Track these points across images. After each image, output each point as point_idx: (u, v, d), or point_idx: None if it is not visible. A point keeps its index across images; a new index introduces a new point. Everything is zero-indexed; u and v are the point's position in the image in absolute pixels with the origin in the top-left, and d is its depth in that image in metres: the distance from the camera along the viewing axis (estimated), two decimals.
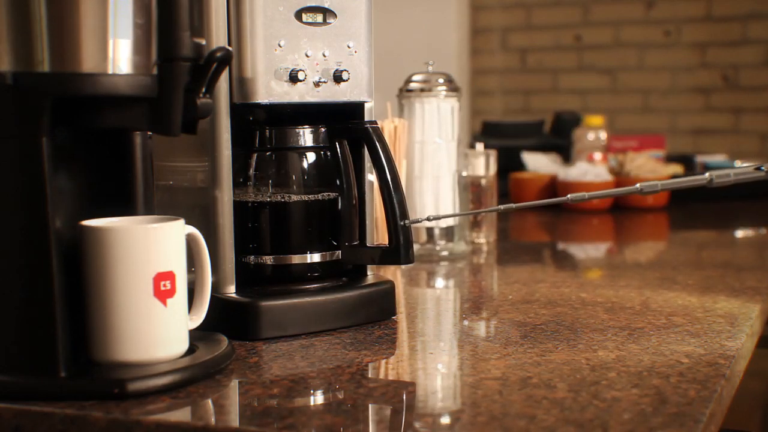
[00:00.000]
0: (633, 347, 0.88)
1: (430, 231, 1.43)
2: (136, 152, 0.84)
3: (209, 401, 0.74)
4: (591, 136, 2.35)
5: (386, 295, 1.01)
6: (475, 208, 1.56)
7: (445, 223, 1.43)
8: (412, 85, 1.43)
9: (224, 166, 0.92)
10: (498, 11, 3.64)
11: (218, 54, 0.74)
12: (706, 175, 0.85)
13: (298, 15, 0.94)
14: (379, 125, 0.99)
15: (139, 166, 0.84)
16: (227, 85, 0.92)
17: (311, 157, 0.98)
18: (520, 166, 2.35)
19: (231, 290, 0.94)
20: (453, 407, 0.74)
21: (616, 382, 0.77)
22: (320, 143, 0.98)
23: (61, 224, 0.75)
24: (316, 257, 0.98)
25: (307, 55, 0.94)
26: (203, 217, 0.93)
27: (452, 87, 1.43)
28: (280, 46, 0.93)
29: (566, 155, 2.50)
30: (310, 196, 0.97)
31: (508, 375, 0.80)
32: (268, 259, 0.97)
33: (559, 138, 2.66)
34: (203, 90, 0.75)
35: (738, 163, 2.44)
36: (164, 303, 0.77)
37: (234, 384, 0.79)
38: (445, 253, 1.43)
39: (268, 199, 0.97)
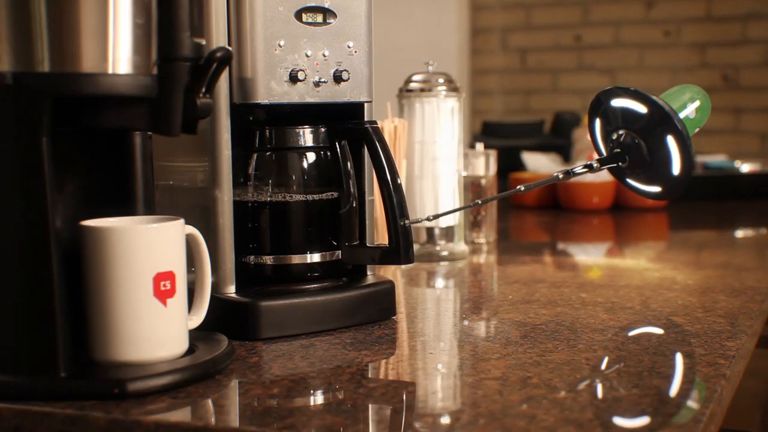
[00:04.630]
0: (633, 347, 0.88)
1: (430, 231, 1.43)
2: (136, 152, 0.84)
3: (209, 401, 0.74)
4: None
5: (386, 295, 1.01)
6: (475, 209, 1.56)
7: (445, 223, 1.43)
8: (412, 85, 1.43)
9: (224, 166, 0.92)
10: (498, 11, 3.64)
11: (218, 54, 0.74)
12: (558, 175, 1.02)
13: (298, 15, 0.94)
14: (379, 125, 0.99)
15: (139, 166, 0.84)
16: (227, 85, 0.92)
17: (311, 157, 0.98)
18: (520, 166, 2.35)
19: (231, 290, 0.94)
20: (453, 407, 0.75)
21: (616, 382, 0.77)
22: (320, 143, 0.98)
23: (61, 224, 0.75)
24: (316, 257, 0.98)
25: (307, 55, 0.94)
26: (203, 217, 0.93)
27: (452, 87, 1.43)
28: (280, 46, 0.93)
29: (566, 155, 2.51)
30: (310, 196, 0.97)
31: (508, 375, 0.80)
32: (268, 259, 0.97)
33: (559, 138, 2.66)
34: (203, 90, 0.75)
35: (738, 163, 2.44)
36: (164, 303, 0.77)
37: (234, 384, 0.79)
38: (445, 253, 1.43)
39: (268, 199, 0.97)
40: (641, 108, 0.99)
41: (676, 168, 0.98)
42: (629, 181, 1.04)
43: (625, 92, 1.01)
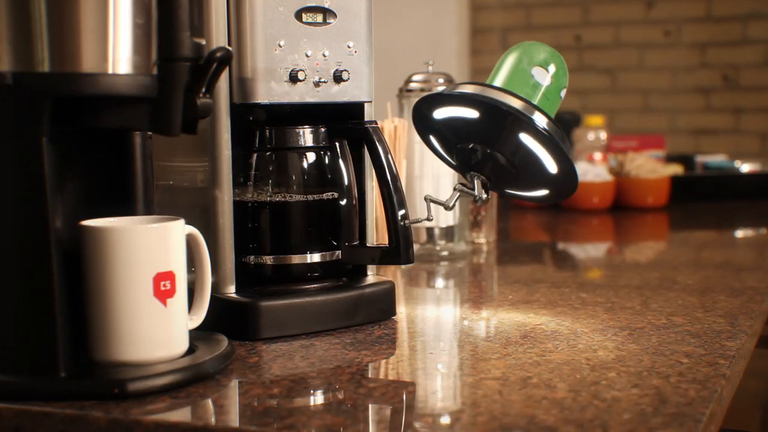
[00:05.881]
0: (633, 347, 0.88)
1: (430, 231, 1.43)
2: (136, 152, 0.84)
3: (209, 401, 0.74)
4: (591, 136, 2.35)
5: (386, 295, 1.01)
6: (475, 209, 1.56)
7: (444, 222, 1.43)
8: (412, 85, 1.43)
9: (224, 166, 0.92)
10: (498, 11, 3.64)
11: (218, 54, 0.74)
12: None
13: (298, 15, 0.94)
14: (379, 125, 0.99)
15: (139, 166, 0.84)
16: (227, 85, 0.92)
17: (311, 157, 0.98)
18: None
19: (231, 290, 0.94)
20: (453, 407, 0.74)
21: (616, 382, 0.77)
22: (320, 143, 0.98)
23: (61, 224, 0.75)
24: (316, 257, 0.98)
25: (307, 55, 0.94)
26: (203, 217, 0.93)
27: None
28: (280, 46, 0.93)
29: None
30: (310, 196, 0.97)
31: (508, 375, 0.80)
32: (268, 259, 0.97)
33: None
34: (203, 90, 0.75)
35: (738, 163, 2.44)
36: (164, 303, 0.77)
37: (234, 384, 0.79)
38: (445, 253, 1.43)
39: (268, 199, 0.97)
40: (471, 112, 0.80)
41: (551, 166, 0.81)
42: (512, 192, 0.89)
43: (442, 99, 0.81)
